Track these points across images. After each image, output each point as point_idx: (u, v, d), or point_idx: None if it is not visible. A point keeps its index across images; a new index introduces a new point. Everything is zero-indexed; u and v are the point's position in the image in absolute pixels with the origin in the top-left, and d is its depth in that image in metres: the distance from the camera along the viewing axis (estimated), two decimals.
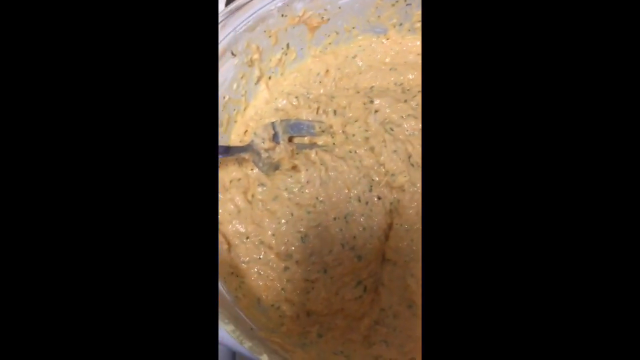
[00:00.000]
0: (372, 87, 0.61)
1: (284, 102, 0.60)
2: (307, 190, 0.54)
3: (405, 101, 0.57)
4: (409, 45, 0.62)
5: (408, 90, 0.59)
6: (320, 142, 0.58)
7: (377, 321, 0.49)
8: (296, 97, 0.61)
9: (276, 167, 0.56)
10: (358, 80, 0.62)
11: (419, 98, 0.57)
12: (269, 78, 0.60)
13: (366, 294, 0.50)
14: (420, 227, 0.52)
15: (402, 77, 0.60)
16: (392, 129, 0.56)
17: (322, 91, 0.62)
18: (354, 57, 0.63)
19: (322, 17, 0.58)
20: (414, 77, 0.60)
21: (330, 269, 0.51)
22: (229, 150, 0.53)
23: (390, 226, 0.53)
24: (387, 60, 0.63)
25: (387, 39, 0.62)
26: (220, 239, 0.51)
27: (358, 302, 0.50)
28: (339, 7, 0.57)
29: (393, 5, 0.57)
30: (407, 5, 0.56)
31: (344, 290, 0.50)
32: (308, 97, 0.61)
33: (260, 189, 0.55)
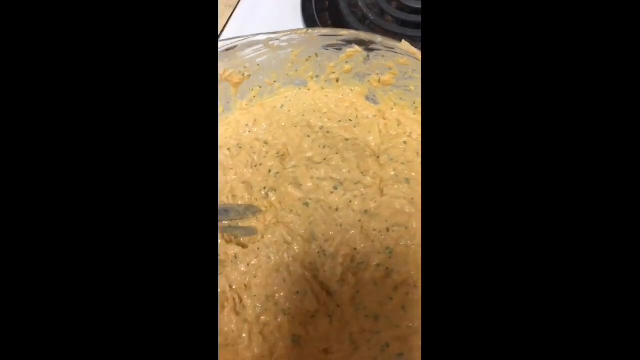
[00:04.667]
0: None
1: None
2: None
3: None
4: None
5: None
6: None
7: None
8: (229, 149, 0.65)
9: None
10: (290, 122, 0.65)
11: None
12: None
13: None
14: None
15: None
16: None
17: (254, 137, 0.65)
18: (282, 106, 0.67)
19: (243, 74, 0.62)
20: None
21: None
22: None
23: None
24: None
25: (309, 90, 0.66)
26: None
27: None
28: (258, 64, 0.62)
29: (307, 60, 0.62)
30: (319, 59, 0.62)
31: None
32: (240, 148, 0.65)
33: None
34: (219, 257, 0.56)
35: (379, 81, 0.61)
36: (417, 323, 0.50)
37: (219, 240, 0.57)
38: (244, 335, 0.52)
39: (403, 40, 0.55)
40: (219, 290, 0.53)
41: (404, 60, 0.57)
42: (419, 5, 0.76)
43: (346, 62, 0.61)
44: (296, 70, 0.64)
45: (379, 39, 0.56)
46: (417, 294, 0.52)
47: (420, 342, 0.49)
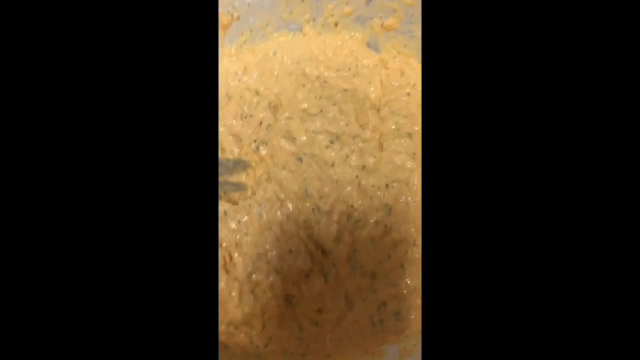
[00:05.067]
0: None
1: None
2: None
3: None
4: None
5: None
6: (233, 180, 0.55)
7: None
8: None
9: None
10: (284, 71, 0.60)
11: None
12: None
13: None
14: None
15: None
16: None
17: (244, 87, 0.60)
18: (275, 53, 0.62)
19: (232, 15, 0.56)
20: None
21: None
22: None
23: None
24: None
25: (304, 35, 0.61)
26: None
27: None
28: (248, 4, 0.56)
29: (303, 0, 0.56)
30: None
31: None
32: (229, 98, 0.60)
33: None
34: None
35: (382, 26, 0.56)
36: (416, 282, 0.48)
37: None
38: (233, 293, 0.49)
39: None
40: None
41: (411, 0, 0.52)
42: None
43: (346, 4, 0.56)
44: (290, 13, 0.58)
45: None
46: (417, 252, 0.49)
47: (419, 301, 0.47)
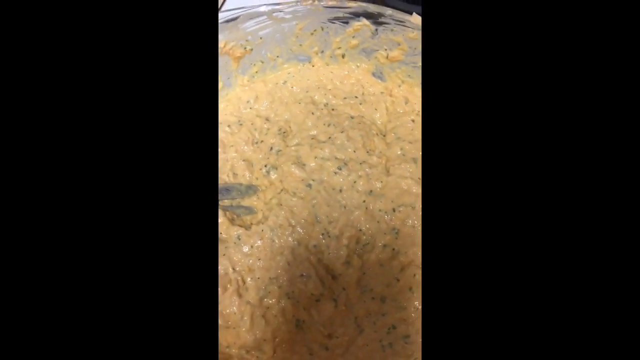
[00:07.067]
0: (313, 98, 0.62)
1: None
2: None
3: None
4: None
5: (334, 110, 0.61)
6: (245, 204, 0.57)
7: None
8: (228, 126, 0.62)
9: None
10: (293, 99, 0.63)
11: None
12: None
13: None
14: None
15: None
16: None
17: (255, 115, 0.63)
18: (285, 82, 0.64)
19: (245, 48, 0.59)
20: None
21: None
22: None
23: None
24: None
25: (313, 66, 0.64)
26: None
27: None
28: (260, 38, 0.59)
29: (312, 34, 0.59)
30: (324, 32, 0.59)
31: None
32: (240, 125, 0.62)
33: None
34: (222, 236, 0.54)
35: (387, 57, 0.59)
36: None
37: (222, 219, 0.55)
38: (245, 317, 0.50)
39: (414, 13, 0.53)
40: (222, 272, 0.52)
41: (414, 34, 0.54)
42: None
43: (353, 37, 0.59)
44: (300, 45, 0.61)
45: (388, 11, 0.54)
46: None
47: None
